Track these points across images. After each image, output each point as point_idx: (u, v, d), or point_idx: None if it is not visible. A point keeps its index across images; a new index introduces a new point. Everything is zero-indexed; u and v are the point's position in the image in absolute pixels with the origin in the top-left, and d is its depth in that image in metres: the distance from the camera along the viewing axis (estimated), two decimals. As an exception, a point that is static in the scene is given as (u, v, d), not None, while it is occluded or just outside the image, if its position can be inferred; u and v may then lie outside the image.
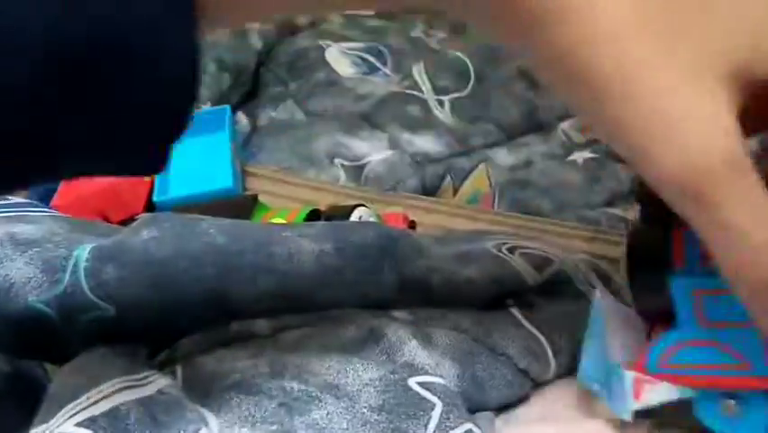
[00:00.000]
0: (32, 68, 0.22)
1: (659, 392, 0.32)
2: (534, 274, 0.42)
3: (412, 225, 0.51)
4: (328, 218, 0.47)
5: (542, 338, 0.40)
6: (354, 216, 0.48)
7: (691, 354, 0.32)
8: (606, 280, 0.44)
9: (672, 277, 0.32)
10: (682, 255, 0.32)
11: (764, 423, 0.32)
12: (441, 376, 0.35)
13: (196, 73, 0.24)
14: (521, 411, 0.39)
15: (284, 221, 0.48)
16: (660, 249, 0.32)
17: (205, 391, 0.34)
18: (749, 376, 0.32)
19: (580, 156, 0.64)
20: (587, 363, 0.35)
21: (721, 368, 0.32)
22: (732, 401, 0.32)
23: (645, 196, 0.32)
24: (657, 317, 0.34)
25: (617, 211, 0.58)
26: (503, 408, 0.39)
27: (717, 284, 0.29)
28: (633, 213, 0.57)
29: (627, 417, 0.32)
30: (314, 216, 0.47)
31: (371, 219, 0.49)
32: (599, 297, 0.36)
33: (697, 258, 0.32)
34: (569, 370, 0.42)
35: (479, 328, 0.39)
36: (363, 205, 0.49)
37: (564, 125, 0.69)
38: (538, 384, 0.41)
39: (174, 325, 0.37)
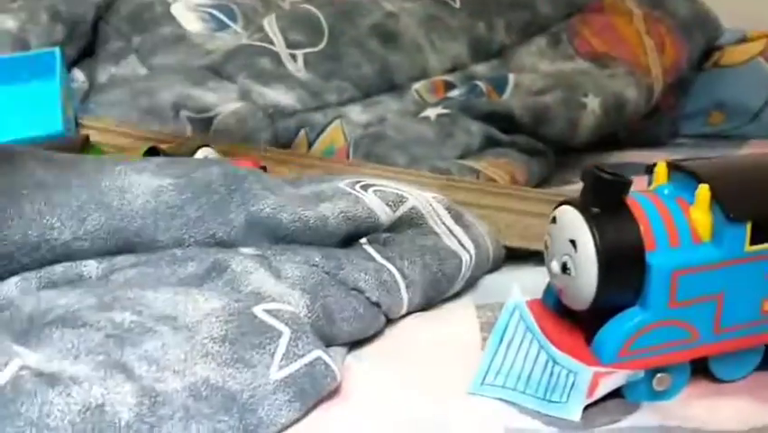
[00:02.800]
0: None
1: (611, 383, 0.32)
2: (388, 211, 0.40)
3: (263, 170, 0.48)
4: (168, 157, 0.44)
5: (393, 270, 0.38)
6: (199, 155, 0.45)
7: (654, 336, 0.32)
8: (457, 218, 0.44)
9: (653, 261, 0.31)
10: (652, 239, 0.32)
11: (683, 387, 0.33)
12: (289, 304, 0.33)
13: None
14: (373, 347, 0.38)
15: None
16: (632, 239, 0.31)
17: (24, 331, 0.30)
18: (697, 346, 0.33)
19: (432, 112, 0.63)
20: (494, 369, 0.34)
21: (678, 344, 0.32)
22: (666, 374, 0.33)
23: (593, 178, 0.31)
24: (594, 313, 0.33)
25: (468, 162, 0.58)
26: (356, 343, 0.38)
27: (693, 262, 0.31)
28: (484, 164, 0.58)
29: (576, 417, 0.31)
30: (152, 154, 0.44)
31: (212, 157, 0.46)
32: (518, 296, 0.35)
33: (666, 239, 0.32)
34: (422, 307, 0.41)
35: (330, 262, 0.37)
36: (208, 145, 0.46)
37: (417, 86, 0.69)
38: (391, 320, 0.40)
39: None
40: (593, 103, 0.70)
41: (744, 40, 0.90)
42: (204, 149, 0.46)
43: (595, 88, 0.71)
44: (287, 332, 0.31)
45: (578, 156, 0.75)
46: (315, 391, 0.31)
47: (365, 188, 0.41)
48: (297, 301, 0.34)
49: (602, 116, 0.70)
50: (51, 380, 0.26)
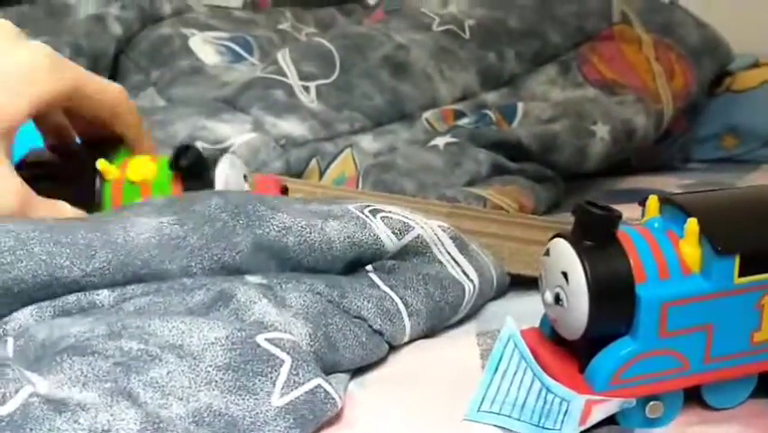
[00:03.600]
0: None
1: (603, 410, 0.32)
2: (394, 240, 0.41)
3: (284, 190, 0.50)
4: (191, 162, 0.46)
5: (396, 298, 0.40)
6: (222, 163, 0.47)
7: (645, 366, 0.33)
8: (462, 247, 0.45)
9: (642, 293, 0.32)
10: (642, 271, 0.33)
11: (675, 414, 0.34)
12: (291, 333, 0.34)
13: None
14: (375, 374, 0.39)
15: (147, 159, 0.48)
16: (622, 271, 0.32)
17: (37, 358, 0.32)
18: (688, 376, 0.33)
19: (441, 141, 0.65)
20: (490, 397, 0.34)
21: (669, 373, 0.33)
22: (658, 402, 0.34)
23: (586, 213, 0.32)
24: (587, 342, 0.34)
25: (475, 190, 0.59)
26: (359, 370, 0.39)
27: (683, 294, 0.32)
28: (491, 192, 0.59)
29: None
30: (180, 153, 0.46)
31: (238, 166, 0.48)
32: (512, 326, 0.36)
33: (656, 272, 0.33)
34: (425, 334, 0.42)
35: (333, 290, 0.39)
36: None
37: (427, 114, 0.70)
38: (394, 347, 0.41)
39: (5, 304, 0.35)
40: (602, 130, 0.71)
41: (755, 65, 0.91)
42: (226, 156, 0.48)
43: (603, 116, 0.72)
44: (288, 360, 0.32)
45: (589, 181, 0.76)
46: (315, 417, 0.32)
47: (374, 213, 0.42)
48: (299, 330, 0.35)
49: (611, 144, 0.71)
50: (59, 406, 0.28)
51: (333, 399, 0.33)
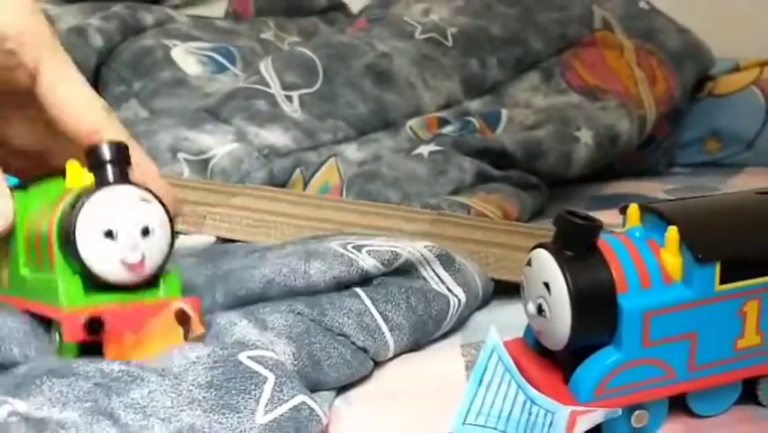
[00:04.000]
0: None
1: (589, 421, 0.32)
2: (382, 269, 0.41)
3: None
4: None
5: (376, 314, 0.39)
6: None
7: (629, 375, 0.33)
8: (448, 264, 0.44)
9: (625, 303, 0.32)
10: (624, 281, 0.32)
11: (661, 423, 0.34)
12: (273, 351, 0.34)
13: None
14: (360, 390, 0.39)
15: None
16: (604, 281, 0.32)
17: (17, 385, 0.31)
18: (673, 384, 0.33)
19: (425, 149, 0.65)
20: (474, 410, 0.34)
21: (654, 382, 0.33)
22: (644, 411, 0.34)
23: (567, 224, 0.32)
24: (570, 352, 0.34)
25: (459, 198, 0.59)
26: (344, 386, 0.39)
27: (665, 303, 0.32)
28: (475, 200, 0.59)
29: None
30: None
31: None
32: (495, 337, 0.36)
33: (638, 281, 0.33)
34: (409, 348, 0.42)
35: (314, 309, 0.38)
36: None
37: (411, 122, 0.70)
38: (378, 363, 0.40)
39: None
40: (586, 136, 0.71)
41: (736, 69, 0.91)
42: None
43: (587, 121, 0.72)
44: (271, 377, 0.32)
45: (574, 187, 0.76)
46: None
47: (358, 248, 0.41)
48: (282, 349, 0.35)
49: (595, 149, 0.71)
50: (39, 425, 0.27)
51: (317, 415, 0.33)
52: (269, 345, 0.35)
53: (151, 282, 0.35)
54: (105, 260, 0.33)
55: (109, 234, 0.33)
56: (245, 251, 0.44)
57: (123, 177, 0.34)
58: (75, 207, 0.33)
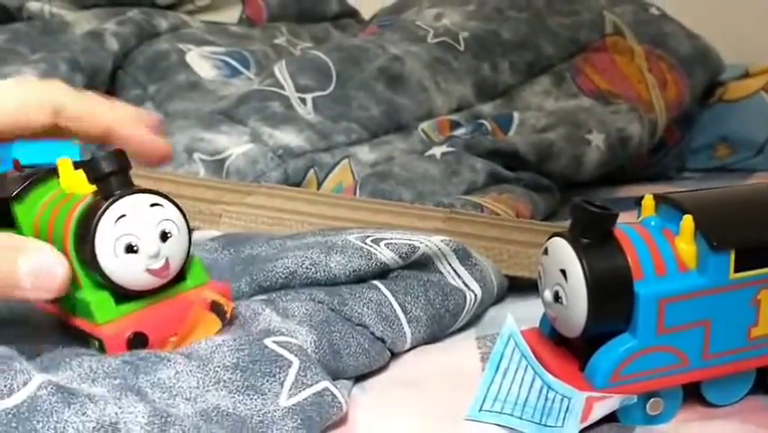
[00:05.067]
0: None
1: (605, 407, 0.33)
2: (400, 262, 0.42)
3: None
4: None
5: (395, 305, 0.40)
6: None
7: (644, 362, 0.33)
8: (464, 258, 0.45)
9: (640, 290, 0.33)
10: (640, 268, 0.33)
11: (676, 411, 0.35)
12: (296, 338, 0.35)
13: None
14: (377, 379, 0.39)
15: None
16: (620, 268, 0.33)
17: (46, 366, 0.32)
18: (687, 372, 0.34)
19: (438, 150, 0.65)
20: (491, 396, 0.35)
21: (668, 369, 0.34)
22: (658, 399, 0.34)
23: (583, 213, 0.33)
24: (586, 340, 0.34)
25: (472, 198, 0.59)
26: (361, 377, 0.39)
27: (680, 290, 0.33)
28: (488, 199, 0.59)
29: None
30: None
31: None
32: (512, 325, 0.36)
33: (653, 268, 0.33)
34: (425, 340, 0.42)
35: (333, 298, 0.39)
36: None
37: (423, 125, 0.71)
38: (395, 354, 0.41)
39: None
40: (597, 139, 0.72)
41: (746, 75, 0.92)
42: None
43: (598, 125, 0.73)
44: (296, 362, 0.33)
45: (585, 191, 0.77)
46: (322, 419, 0.33)
47: (376, 242, 0.42)
48: (304, 337, 0.36)
49: (606, 152, 0.72)
50: (68, 397, 0.28)
51: (339, 402, 0.33)
52: (292, 332, 0.35)
53: (177, 275, 0.35)
54: (130, 272, 0.33)
55: (130, 248, 0.33)
56: (266, 237, 0.45)
57: (128, 185, 0.34)
58: (89, 226, 0.33)
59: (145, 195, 0.34)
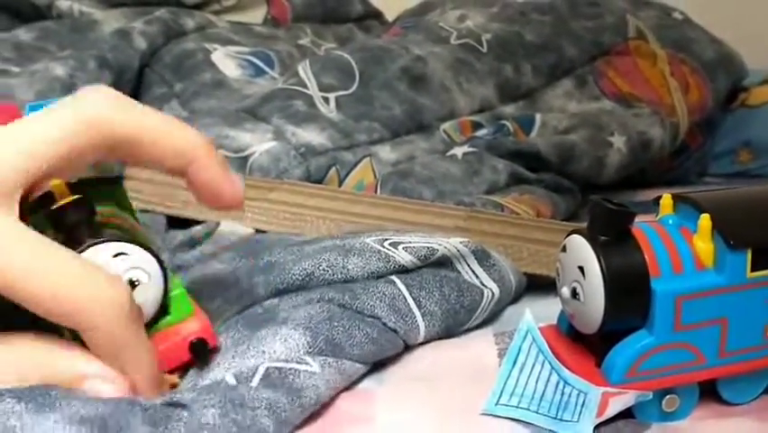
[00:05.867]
0: None
1: (620, 403, 0.33)
2: (419, 264, 0.42)
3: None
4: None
5: (409, 299, 0.40)
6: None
7: (661, 359, 0.34)
8: (483, 259, 0.45)
9: (657, 287, 0.33)
10: (657, 266, 0.33)
11: (692, 408, 0.35)
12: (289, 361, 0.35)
13: None
14: (392, 372, 0.40)
15: None
16: (638, 265, 0.33)
17: None
18: (703, 369, 0.34)
19: (459, 150, 0.66)
20: (508, 391, 0.35)
21: (684, 366, 0.34)
22: (674, 396, 0.34)
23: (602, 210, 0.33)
24: (603, 336, 0.34)
25: (493, 198, 0.59)
26: (376, 368, 0.39)
27: (697, 287, 0.33)
28: (509, 199, 0.59)
29: None
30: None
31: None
32: (530, 320, 0.37)
33: (670, 266, 0.34)
34: (440, 336, 0.43)
35: (344, 294, 0.39)
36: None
37: (445, 126, 0.71)
38: (409, 347, 0.41)
39: None
40: (619, 141, 0.72)
41: (769, 80, 0.91)
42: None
43: (620, 127, 0.73)
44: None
45: (606, 194, 0.76)
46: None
47: (394, 245, 0.43)
48: (296, 342, 0.36)
49: (628, 154, 0.72)
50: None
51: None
52: (282, 341, 0.36)
53: (160, 311, 0.35)
54: None
55: None
56: (284, 244, 0.45)
57: (91, 236, 0.33)
58: None
59: (111, 244, 0.33)
